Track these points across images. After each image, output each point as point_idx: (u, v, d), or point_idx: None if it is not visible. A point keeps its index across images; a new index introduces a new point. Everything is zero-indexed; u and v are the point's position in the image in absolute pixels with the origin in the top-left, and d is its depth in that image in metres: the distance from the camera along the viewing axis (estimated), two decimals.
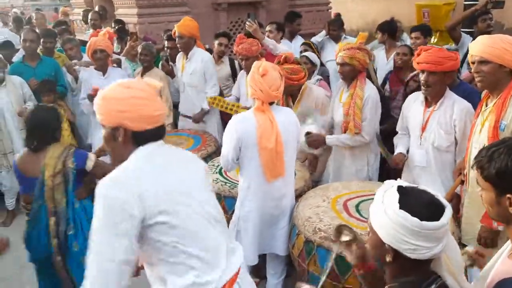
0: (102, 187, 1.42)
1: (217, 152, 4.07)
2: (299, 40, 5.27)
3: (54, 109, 2.79)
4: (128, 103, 1.50)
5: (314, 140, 3.09)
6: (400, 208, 1.21)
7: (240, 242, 2.59)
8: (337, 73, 3.37)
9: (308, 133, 3.07)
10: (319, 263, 2.31)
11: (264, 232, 2.66)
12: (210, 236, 1.59)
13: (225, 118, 4.45)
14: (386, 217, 1.23)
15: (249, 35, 4.21)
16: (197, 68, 4.18)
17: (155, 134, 1.56)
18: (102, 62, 4.15)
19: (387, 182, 1.34)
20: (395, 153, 3.00)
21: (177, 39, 4.19)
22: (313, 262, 2.35)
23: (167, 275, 1.53)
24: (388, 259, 1.27)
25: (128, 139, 1.52)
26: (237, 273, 1.67)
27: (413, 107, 2.91)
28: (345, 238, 1.63)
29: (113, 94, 1.54)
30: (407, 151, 2.97)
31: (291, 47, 4.93)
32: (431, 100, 2.78)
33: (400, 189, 1.26)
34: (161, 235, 1.47)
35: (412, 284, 1.27)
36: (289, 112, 2.64)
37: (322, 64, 4.46)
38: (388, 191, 1.28)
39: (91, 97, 3.95)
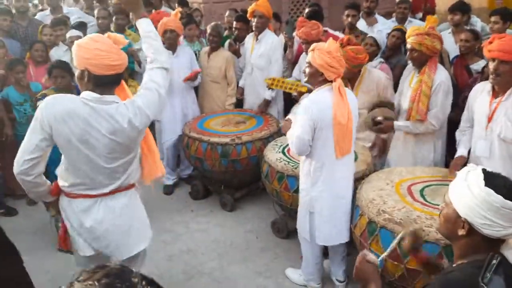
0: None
1: (278, 132, 4.21)
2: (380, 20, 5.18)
3: None
4: (93, 53, 1.94)
5: (383, 129, 3.14)
6: (486, 185, 1.30)
7: (314, 223, 2.77)
8: None
9: (377, 122, 3.10)
10: (382, 243, 2.40)
11: (337, 212, 2.77)
12: (93, 170, 2.09)
13: (288, 100, 4.56)
14: (468, 192, 1.33)
15: (310, 17, 4.23)
16: (266, 51, 4.29)
17: (111, 80, 2.02)
18: (172, 41, 4.35)
19: (469, 165, 1.43)
20: (456, 155, 2.95)
21: (256, 19, 4.27)
22: (376, 242, 2.44)
23: None
24: (461, 232, 1.36)
25: (90, 80, 1.99)
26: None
27: (479, 97, 2.85)
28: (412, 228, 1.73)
29: (83, 43, 1.98)
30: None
31: (390, 26, 4.84)
32: (499, 90, 2.72)
33: (484, 170, 1.36)
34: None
35: (482, 262, 1.33)
36: (351, 92, 2.71)
37: (400, 53, 4.39)
38: (472, 171, 1.37)
39: None
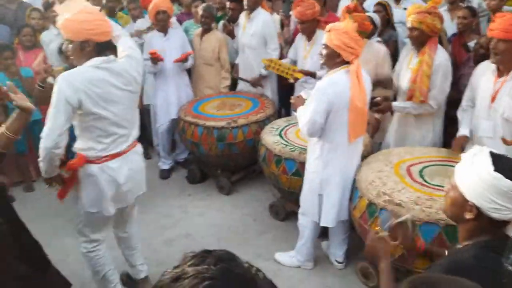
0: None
1: (275, 115, 4.18)
2: None
3: None
4: (93, 23, 2.16)
5: (381, 106, 3.10)
6: (495, 170, 1.28)
7: (322, 205, 2.78)
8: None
9: (376, 103, 3.07)
10: (382, 225, 2.40)
11: (344, 193, 2.77)
12: (118, 125, 2.36)
13: (282, 81, 4.50)
14: (476, 177, 1.32)
15: None
16: (257, 30, 4.18)
17: (109, 45, 2.27)
18: (163, 23, 4.26)
19: (475, 147, 1.41)
20: (457, 134, 2.93)
21: None
22: (376, 223, 2.44)
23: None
24: (468, 216, 1.36)
25: (94, 49, 2.20)
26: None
27: (483, 77, 2.82)
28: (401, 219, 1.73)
29: (80, 17, 2.15)
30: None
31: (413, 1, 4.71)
32: (503, 69, 2.69)
33: (492, 153, 1.34)
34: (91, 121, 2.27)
35: (486, 243, 1.35)
36: (365, 74, 2.65)
37: (392, 27, 4.34)
38: (479, 154, 1.35)
39: (154, 60, 4.11)
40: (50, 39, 4.45)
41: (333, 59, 2.54)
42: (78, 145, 2.38)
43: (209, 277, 0.71)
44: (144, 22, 4.73)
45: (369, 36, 3.53)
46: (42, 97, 3.75)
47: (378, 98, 3.08)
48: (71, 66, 3.36)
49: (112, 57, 2.27)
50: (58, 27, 2.24)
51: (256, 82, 4.36)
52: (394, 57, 3.74)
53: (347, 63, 2.53)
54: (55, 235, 3.48)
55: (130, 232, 2.85)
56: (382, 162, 2.77)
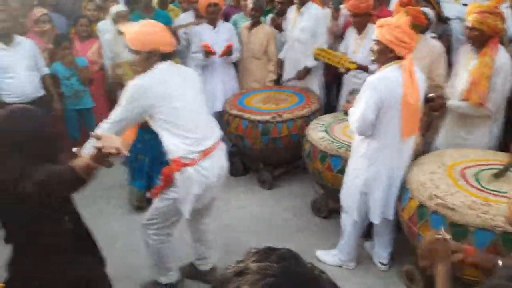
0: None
1: (320, 110, 4.12)
2: None
3: None
4: (159, 34, 2.36)
5: (435, 106, 2.97)
6: None
7: (364, 204, 2.74)
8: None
9: (429, 99, 2.94)
10: (432, 228, 2.31)
11: (390, 192, 2.70)
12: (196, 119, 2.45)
13: (326, 76, 4.44)
14: None
15: None
16: (308, 24, 4.13)
17: (171, 54, 2.44)
18: (214, 16, 4.30)
19: None
20: None
21: None
22: (425, 227, 2.36)
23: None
24: None
25: (159, 58, 2.35)
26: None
27: None
28: None
29: (146, 29, 2.35)
30: None
31: None
32: None
33: None
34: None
35: None
36: (419, 70, 2.56)
37: (444, 21, 4.17)
38: None
39: (206, 53, 4.15)
40: (105, 29, 4.60)
41: (385, 55, 2.46)
42: (173, 152, 2.40)
43: (271, 274, 0.71)
44: (187, 16, 4.79)
45: (423, 31, 3.40)
46: (113, 88, 3.97)
47: (432, 95, 2.94)
48: None
49: (172, 62, 2.46)
50: (127, 40, 2.37)
51: (301, 76, 4.31)
52: (447, 52, 3.59)
53: (399, 58, 2.45)
54: (103, 220, 3.62)
55: (206, 224, 2.88)
56: (434, 163, 2.66)
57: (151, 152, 3.60)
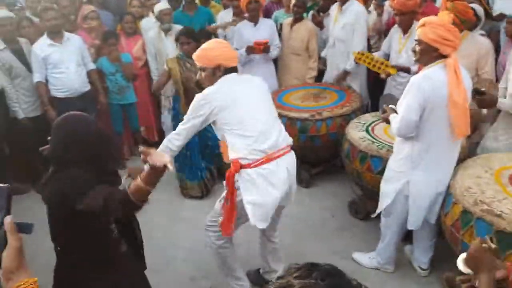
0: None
1: (361, 109, 4.04)
2: None
3: None
4: (222, 50, 2.46)
5: (485, 100, 2.76)
6: None
7: (406, 207, 2.67)
8: None
9: (480, 92, 2.78)
10: (476, 235, 2.21)
11: (433, 197, 2.61)
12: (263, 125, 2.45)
13: (373, 74, 4.32)
14: None
15: None
16: (349, 22, 4.05)
17: (235, 68, 2.51)
18: (255, 13, 4.30)
19: None
20: None
21: None
22: (469, 233, 2.26)
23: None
24: None
25: (222, 73, 2.44)
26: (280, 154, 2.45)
27: None
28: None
29: (210, 47, 2.48)
30: None
31: None
32: None
33: None
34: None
35: None
36: (464, 70, 2.46)
37: (492, 18, 3.97)
38: None
39: (250, 49, 4.17)
40: (149, 26, 4.71)
41: (429, 54, 2.39)
42: (232, 155, 2.45)
43: None
44: (226, 14, 4.81)
45: (471, 28, 3.25)
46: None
47: (483, 88, 2.78)
48: (185, 55, 3.70)
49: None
50: (194, 58, 2.53)
51: (340, 79, 4.24)
52: (496, 49, 3.42)
53: (443, 57, 2.36)
54: (142, 211, 3.71)
55: (276, 238, 2.89)
56: (481, 167, 2.54)
57: (191, 144, 3.70)
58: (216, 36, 4.65)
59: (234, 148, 2.42)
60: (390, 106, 2.68)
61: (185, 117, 2.51)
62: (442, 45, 2.32)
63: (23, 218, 1.40)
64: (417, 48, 2.43)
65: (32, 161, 4.20)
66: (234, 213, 2.46)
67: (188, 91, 3.73)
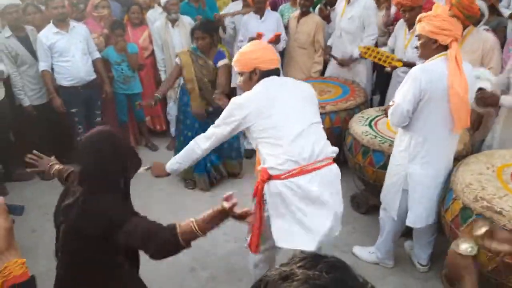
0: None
1: (366, 103, 4.02)
2: None
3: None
4: (259, 52, 2.29)
5: (486, 98, 2.77)
6: None
7: (407, 202, 2.64)
8: None
9: (480, 89, 2.77)
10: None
11: (430, 192, 2.60)
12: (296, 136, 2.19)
13: (378, 68, 4.30)
14: None
15: None
16: (357, 14, 4.03)
17: (275, 71, 2.31)
18: (261, 5, 4.28)
19: None
20: None
21: None
22: (469, 230, 2.24)
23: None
24: None
25: (260, 77, 2.28)
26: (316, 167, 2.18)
27: None
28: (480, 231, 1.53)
29: (247, 50, 2.33)
30: None
31: None
32: None
33: None
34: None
35: None
36: (466, 63, 2.45)
37: (500, 14, 3.92)
38: None
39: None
40: (155, 17, 4.71)
41: (430, 47, 2.40)
42: (268, 162, 2.22)
43: (321, 285, 0.65)
44: (236, 6, 4.79)
45: (475, 23, 3.21)
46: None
47: (485, 89, 2.77)
48: (199, 50, 3.62)
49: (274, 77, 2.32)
50: (233, 64, 2.39)
51: (345, 62, 4.22)
52: (503, 45, 3.37)
53: (445, 49, 2.36)
54: (143, 202, 3.73)
55: None
56: (483, 164, 2.52)
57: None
58: (223, 25, 4.64)
59: (265, 157, 2.22)
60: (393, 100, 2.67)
61: (217, 121, 2.34)
62: (440, 35, 2.33)
63: (25, 204, 1.41)
64: (418, 43, 2.45)
65: (37, 148, 4.24)
66: (262, 228, 2.28)
67: (201, 88, 3.72)
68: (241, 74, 2.33)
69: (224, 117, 2.29)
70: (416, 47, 2.50)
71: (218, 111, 3.63)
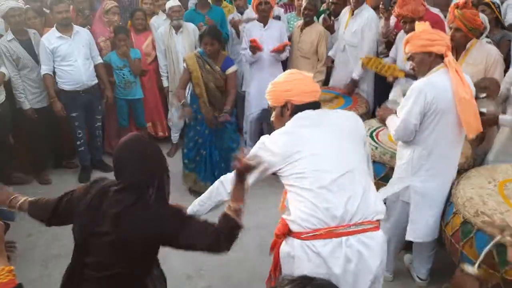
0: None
1: (368, 114, 3.99)
2: None
3: None
4: (292, 83, 1.98)
5: (486, 120, 2.73)
6: None
7: (405, 215, 2.60)
8: None
9: (481, 113, 2.76)
10: (476, 247, 2.17)
11: (433, 206, 2.56)
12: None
13: (378, 81, 4.29)
14: None
15: None
16: (360, 27, 4.03)
17: (312, 105, 1.96)
18: (265, 14, 4.28)
19: None
20: None
21: None
22: (469, 245, 2.21)
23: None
24: None
25: (292, 112, 1.95)
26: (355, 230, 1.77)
27: None
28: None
29: (280, 81, 2.03)
30: None
31: None
32: None
33: None
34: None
35: None
36: (468, 77, 2.43)
37: (503, 27, 3.91)
38: None
39: (253, 49, 4.15)
40: (159, 23, 4.72)
41: (426, 62, 2.41)
42: (297, 216, 1.83)
43: None
44: (252, 11, 4.79)
45: (478, 36, 3.20)
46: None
47: (483, 109, 2.76)
48: (207, 56, 3.60)
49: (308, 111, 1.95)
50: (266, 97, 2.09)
51: (349, 90, 4.21)
52: (506, 60, 3.35)
53: (441, 59, 2.37)
54: None
55: None
56: (485, 178, 2.49)
57: (210, 147, 3.78)
58: (238, 31, 4.65)
59: (289, 207, 1.85)
60: (389, 105, 2.67)
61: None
62: (434, 46, 2.35)
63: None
64: (413, 64, 2.46)
65: (36, 152, 4.24)
66: None
67: (208, 93, 3.71)
68: (273, 108, 2.05)
69: (251, 158, 1.87)
70: (412, 69, 2.50)
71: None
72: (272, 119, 2.06)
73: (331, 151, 1.84)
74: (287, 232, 1.83)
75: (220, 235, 1.66)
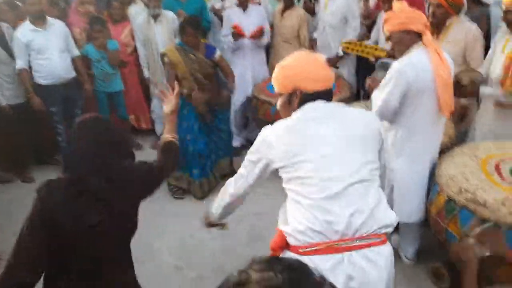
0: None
1: (351, 97, 3.99)
2: None
3: None
4: (302, 67, 1.68)
5: (467, 91, 2.79)
6: None
7: (391, 197, 2.60)
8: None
9: (460, 85, 2.77)
10: (460, 225, 2.20)
11: (417, 187, 2.58)
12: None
13: (361, 63, 4.28)
14: None
15: None
16: (339, 8, 4.01)
17: (323, 97, 1.67)
18: None
19: None
20: None
21: None
22: (454, 222, 2.24)
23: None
24: None
25: (301, 101, 1.67)
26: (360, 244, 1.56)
27: None
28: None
29: (287, 65, 1.72)
30: None
31: None
32: None
33: None
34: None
35: None
36: (448, 56, 2.45)
37: (482, 4, 3.91)
38: None
39: (235, 36, 4.09)
40: (137, 12, 4.62)
41: (405, 40, 2.40)
42: (294, 228, 1.62)
43: (274, 286, 0.64)
44: None
45: (458, 12, 3.20)
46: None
47: (464, 80, 2.77)
48: (187, 46, 3.50)
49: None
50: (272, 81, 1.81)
51: (332, 62, 4.19)
52: (486, 37, 3.36)
53: (419, 37, 2.37)
54: None
55: None
56: (467, 156, 2.51)
57: (200, 143, 3.71)
58: (221, 18, 4.57)
59: (288, 216, 1.65)
60: (379, 73, 2.67)
61: (245, 158, 1.81)
62: (411, 24, 2.35)
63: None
64: (392, 43, 2.48)
65: (16, 149, 4.15)
66: None
67: (197, 82, 3.62)
68: (279, 95, 1.77)
69: (251, 153, 1.75)
70: (392, 49, 2.51)
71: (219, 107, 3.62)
72: (277, 107, 1.79)
73: (341, 156, 1.59)
74: (284, 246, 1.63)
75: (163, 165, 1.86)
